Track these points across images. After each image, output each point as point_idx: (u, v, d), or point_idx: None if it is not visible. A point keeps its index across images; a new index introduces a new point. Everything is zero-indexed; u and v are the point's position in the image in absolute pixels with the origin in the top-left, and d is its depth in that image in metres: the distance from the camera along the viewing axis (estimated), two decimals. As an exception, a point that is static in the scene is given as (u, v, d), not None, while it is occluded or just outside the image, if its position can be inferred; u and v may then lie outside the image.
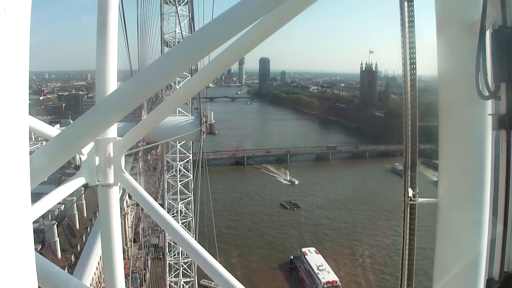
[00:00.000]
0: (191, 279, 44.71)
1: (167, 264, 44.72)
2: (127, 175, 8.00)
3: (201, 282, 48.52)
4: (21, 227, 1.74)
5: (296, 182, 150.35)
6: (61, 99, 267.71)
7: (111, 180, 7.83)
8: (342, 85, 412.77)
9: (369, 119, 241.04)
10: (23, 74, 1.74)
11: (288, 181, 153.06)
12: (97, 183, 7.84)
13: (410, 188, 6.05)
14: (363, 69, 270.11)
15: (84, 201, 70.80)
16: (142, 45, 45.27)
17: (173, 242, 41.94)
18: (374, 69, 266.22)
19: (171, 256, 44.49)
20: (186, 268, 44.35)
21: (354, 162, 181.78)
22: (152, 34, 44.60)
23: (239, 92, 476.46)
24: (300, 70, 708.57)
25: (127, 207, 76.71)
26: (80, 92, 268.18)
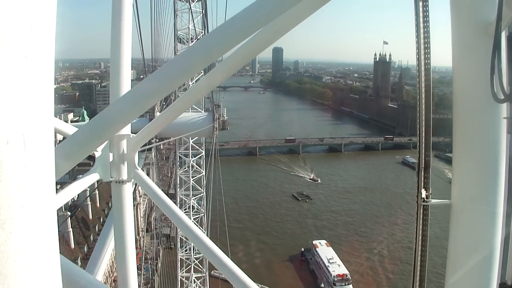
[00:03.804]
0: (203, 275, 44.64)
1: (179, 259, 44.73)
2: (140, 171, 8.06)
3: (211, 273, 48.52)
4: (46, 221, 1.82)
5: (319, 181, 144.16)
6: (75, 87, 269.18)
7: (124, 176, 7.89)
8: (356, 75, 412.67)
9: (382, 110, 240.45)
10: (49, 84, 1.82)
11: (311, 180, 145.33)
12: (111, 179, 7.90)
13: (423, 189, 6.00)
14: (377, 59, 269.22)
15: (97, 191, 71.03)
16: (156, 37, 45.45)
17: (185, 238, 41.93)
18: (388, 59, 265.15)
19: (182, 252, 44.41)
20: (198, 263, 44.24)
21: (366, 154, 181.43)
22: (165, 26, 44.70)
23: (252, 82, 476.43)
24: (313, 59, 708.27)
25: (139, 197, 76.97)
26: (94, 81, 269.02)
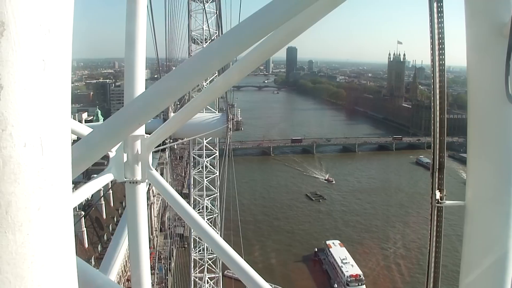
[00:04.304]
0: (216, 275, 44.73)
1: (192, 260, 44.78)
2: (154, 172, 8.10)
3: (225, 272, 48.58)
4: (63, 223, 1.85)
5: (334, 182, 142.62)
6: (89, 87, 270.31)
7: (138, 177, 7.93)
8: (370, 75, 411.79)
9: (397, 110, 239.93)
10: (66, 87, 1.84)
11: (326, 181, 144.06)
12: (125, 179, 7.95)
13: (438, 190, 5.96)
14: (391, 59, 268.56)
15: (111, 191, 71.41)
16: (170, 36, 45.73)
17: (198, 238, 42.03)
18: (402, 59, 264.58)
19: (196, 252, 44.47)
20: (211, 264, 44.33)
21: (380, 154, 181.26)
22: (179, 26, 44.98)
23: (266, 81, 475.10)
24: (327, 59, 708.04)
25: (153, 196, 77.24)
26: (108, 81, 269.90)
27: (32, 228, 1.63)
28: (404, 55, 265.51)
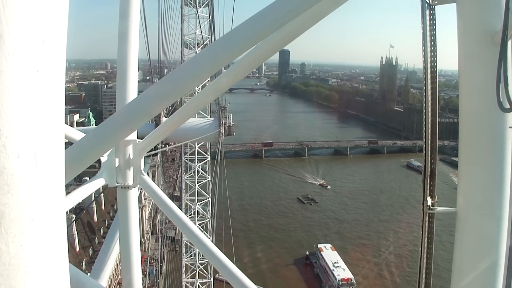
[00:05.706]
0: (208, 280, 44.56)
1: (183, 265, 44.66)
2: (146, 177, 8.09)
3: (216, 276, 48.45)
4: (56, 233, 1.84)
5: (329, 187, 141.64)
6: (81, 88, 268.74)
7: (130, 182, 7.92)
8: (362, 78, 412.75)
9: (388, 114, 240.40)
10: (60, 97, 1.84)
11: (320, 185, 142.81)
12: (117, 184, 7.93)
13: (429, 197, 5.97)
14: (383, 63, 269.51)
15: (102, 194, 71.22)
16: (163, 39, 45.69)
17: (190, 243, 41.90)
18: (394, 63, 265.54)
19: (187, 257, 44.34)
20: (203, 269, 44.21)
21: (372, 157, 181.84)
22: (172, 29, 44.94)
23: (258, 84, 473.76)
24: (320, 62, 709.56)
25: (144, 199, 77.04)
26: (100, 82, 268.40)
27: (25, 239, 1.63)
28: (396, 58, 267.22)
